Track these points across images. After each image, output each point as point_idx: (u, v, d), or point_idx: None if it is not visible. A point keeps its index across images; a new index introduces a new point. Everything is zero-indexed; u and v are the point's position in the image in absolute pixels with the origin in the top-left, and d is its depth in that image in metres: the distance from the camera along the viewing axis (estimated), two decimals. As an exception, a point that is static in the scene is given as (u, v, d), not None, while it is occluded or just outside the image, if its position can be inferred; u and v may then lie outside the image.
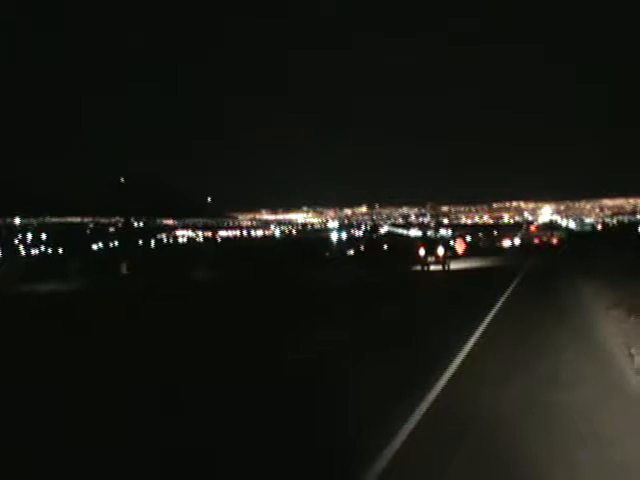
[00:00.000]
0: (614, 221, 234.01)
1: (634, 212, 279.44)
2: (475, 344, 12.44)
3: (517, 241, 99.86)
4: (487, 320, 15.82)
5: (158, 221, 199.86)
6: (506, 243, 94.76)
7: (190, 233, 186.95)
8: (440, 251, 43.79)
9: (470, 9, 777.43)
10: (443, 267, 41.21)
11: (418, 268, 41.71)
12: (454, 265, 42.40)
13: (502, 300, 20.43)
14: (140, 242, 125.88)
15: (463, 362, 10.71)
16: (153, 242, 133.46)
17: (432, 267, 41.50)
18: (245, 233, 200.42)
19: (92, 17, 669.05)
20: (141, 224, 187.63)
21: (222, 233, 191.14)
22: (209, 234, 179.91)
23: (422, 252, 43.66)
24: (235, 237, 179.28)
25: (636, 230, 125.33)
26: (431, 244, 50.70)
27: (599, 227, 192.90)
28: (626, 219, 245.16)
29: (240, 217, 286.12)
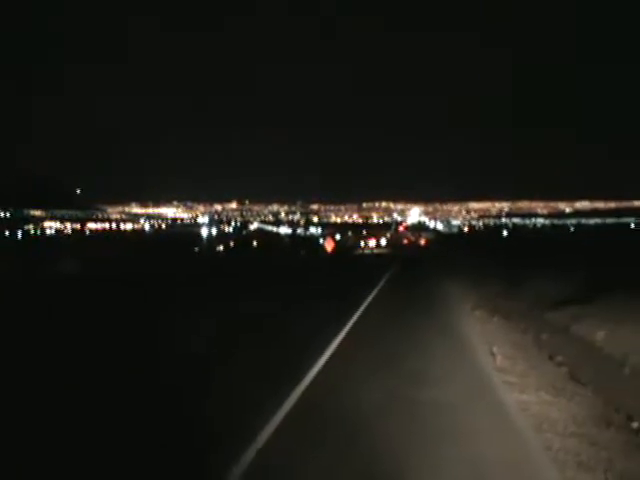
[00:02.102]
0: (480, 224, 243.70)
1: (499, 215, 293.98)
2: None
3: (383, 241, 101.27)
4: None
5: (25, 212, 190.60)
6: (371, 243, 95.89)
7: (58, 225, 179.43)
8: (372, 242, 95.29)
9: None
10: (372, 251, 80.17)
11: (360, 251, 79.27)
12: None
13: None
14: (6, 233, 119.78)
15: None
16: (20, 233, 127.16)
17: (366, 251, 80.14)
18: (114, 226, 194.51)
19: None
20: (7, 214, 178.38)
21: (91, 225, 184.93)
22: (77, 226, 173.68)
23: (367, 243, 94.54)
24: (104, 230, 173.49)
25: (501, 234, 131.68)
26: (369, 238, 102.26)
27: (466, 229, 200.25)
28: (492, 222, 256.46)
29: (109, 210, 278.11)
